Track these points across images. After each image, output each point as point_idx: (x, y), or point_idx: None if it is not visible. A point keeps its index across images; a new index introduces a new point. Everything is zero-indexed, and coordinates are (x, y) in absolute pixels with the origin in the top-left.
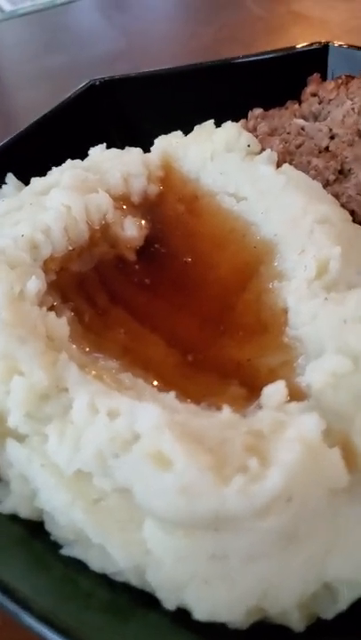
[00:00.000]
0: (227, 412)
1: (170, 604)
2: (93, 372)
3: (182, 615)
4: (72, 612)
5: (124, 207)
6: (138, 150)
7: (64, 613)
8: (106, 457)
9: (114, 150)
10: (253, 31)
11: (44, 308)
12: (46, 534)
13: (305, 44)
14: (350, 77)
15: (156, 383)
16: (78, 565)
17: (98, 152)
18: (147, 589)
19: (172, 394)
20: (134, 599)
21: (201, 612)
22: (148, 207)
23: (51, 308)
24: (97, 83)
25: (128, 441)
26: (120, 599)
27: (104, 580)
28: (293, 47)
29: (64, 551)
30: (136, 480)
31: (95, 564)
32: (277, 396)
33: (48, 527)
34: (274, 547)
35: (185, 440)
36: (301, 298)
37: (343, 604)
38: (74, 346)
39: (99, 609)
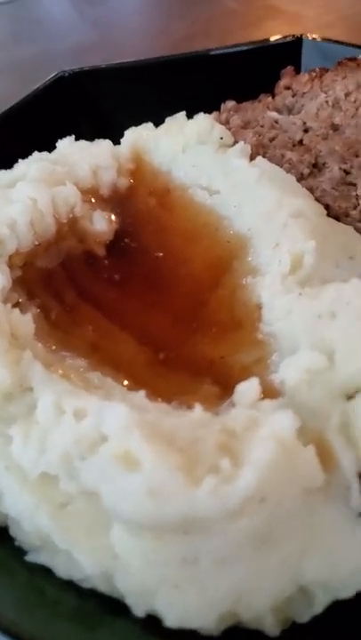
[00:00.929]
0: (198, 410)
1: (139, 610)
2: (60, 371)
3: (152, 622)
4: (38, 621)
5: (93, 200)
6: (107, 142)
7: (29, 623)
8: (72, 459)
9: (83, 142)
10: (227, 25)
11: (9, 305)
12: (10, 540)
13: (279, 36)
14: (324, 70)
15: (125, 382)
16: (44, 572)
17: (66, 144)
18: (115, 596)
19: (141, 393)
20: (102, 606)
21: (172, 619)
22: (118, 201)
23: (15, 305)
24: (66, 74)
25: (95, 442)
26: (88, 606)
27: (71, 586)
28: (267, 40)
29: (29, 557)
30: (103, 482)
31: (61, 570)
32: (251, 394)
33: (12, 532)
34: (247, 549)
35: (154, 440)
36: (275, 293)
37: (319, 607)
38: (39, 344)
39: (66, 617)
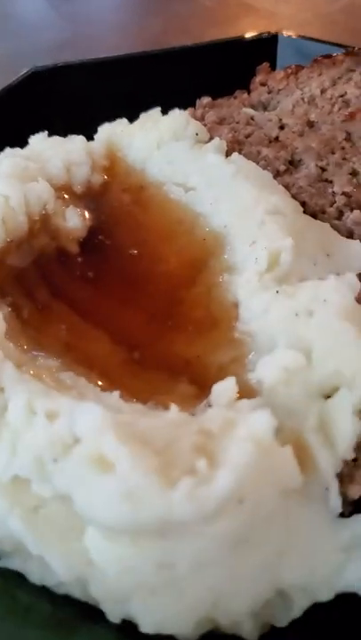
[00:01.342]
0: (174, 410)
1: (114, 616)
2: (31, 371)
3: (128, 627)
4: (10, 628)
5: (66, 197)
6: (81, 138)
7: (2, 630)
8: (45, 462)
9: (56, 138)
10: (203, 23)
11: None
12: None
13: (254, 33)
14: (300, 67)
15: (99, 382)
16: (16, 578)
17: (39, 140)
18: (90, 602)
19: (116, 393)
20: (77, 612)
21: (148, 625)
22: (92, 197)
23: None
24: (39, 69)
25: (68, 444)
26: (62, 613)
27: (44, 592)
28: (242, 37)
29: (1, 563)
30: (76, 486)
31: (35, 576)
32: (227, 394)
33: None
34: (224, 553)
35: (129, 441)
36: (252, 291)
37: (298, 610)
38: (10, 344)
39: (39, 624)
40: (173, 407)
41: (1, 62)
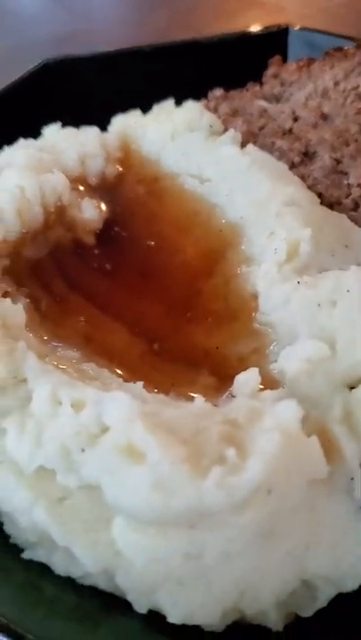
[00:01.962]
0: (199, 401)
1: (141, 607)
2: (54, 362)
3: (155, 618)
4: (36, 619)
5: (81, 189)
6: (95, 130)
7: (27, 622)
8: (71, 452)
9: (69, 130)
10: (206, 16)
11: None
12: (6, 537)
13: (265, 26)
14: (312, 60)
15: (120, 373)
16: (41, 570)
17: (53, 132)
18: (116, 593)
19: (139, 384)
20: (103, 604)
21: (175, 615)
22: (107, 189)
23: (5, 295)
24: (51, 62)
25: (95, 434)
26: (88, 604)
27: (70, 584)
28: (254, 30)
29: (26, 555)
30: (105, 475)
31: (60, 567)
32: (251, 384)
33: (7, 529)
34: (251, 543)
35: (158, 431)
36: (272, 282)
37: (323, 600)
38: (31, 335)
39: (65, 615)
40: (198, 397)
41: (3, 56)
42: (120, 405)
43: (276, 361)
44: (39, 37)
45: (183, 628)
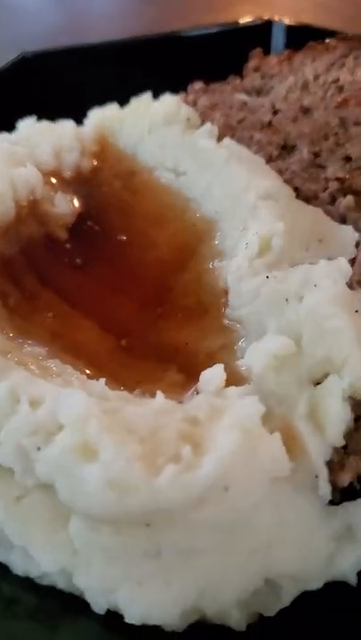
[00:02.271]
0: (160, 398)
1: (100, 607)
2: (16, 359)
3: (114, 618)
4: None
5: (55, 183)
6: (70, 123)
7: None
8: (28, 450)
9: (45, 123)
10: (199, 10)
11: None
12: None
13: (248, 19)
14: (293, 53)
15: (87, 371)
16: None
17: (27, 125)
18: (75, 593)
19: (102, 381)
20: (62, 604)
21: (133, 615)
22: (82, 183)
23: None
24: (29, 55)
25: (52, 432)
26: (46, 604)
27: (28, 584)
28: (236, 22)
29: None
30: (59, 474)
31: (18, 567)
32: (216, 381)
33: None
34: (211, 541)
35: (113, 429)
36: (242, 277)
37: (287, 599)
38: None
39: (24, 616)
40: (159, 394)
41: None
42: (75, 403)
43: (243, 357)
44: (34, 30)
45: (143, 629)
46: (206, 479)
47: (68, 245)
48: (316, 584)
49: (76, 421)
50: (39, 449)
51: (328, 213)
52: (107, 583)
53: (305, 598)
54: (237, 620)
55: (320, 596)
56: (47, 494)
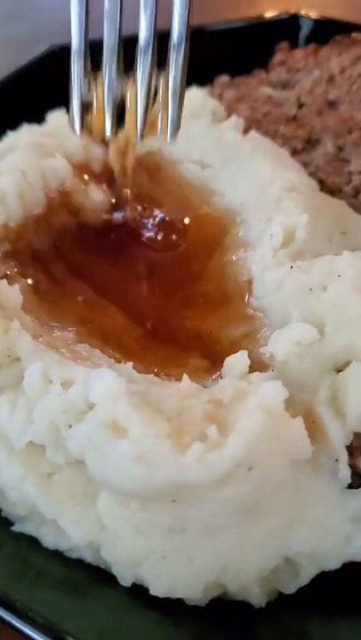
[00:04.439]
0: (186, 381)
1: (125, 580)
2: (48, 342)
3: (139, 591)
4: (24, 589)
5: (84, 174)
6: None
7: (15, 590)
8: (59, 428)
9: None
10: (221, 2)
11: None
12: None
13: (274, 13)
14: (319, 47)
15: (113, 354)
16: (31, 542)
17: (57, 117)
18: (102, 566)
19: (129, 364)
20: (89, 576)
21: (158, 588)
22: (110, 175)
23: (3, 277)
24: (57, 48)
25: (82, 410)
26: (74, 576)
27: (58, 556)
28: (262, 16)
29: (15, 528)
30: (90, 450)
31: (48, 540)
32: (239, 367)
33: None
34: (234, 519)
35: (142, 408)
36: (266, 267)
37: (305, 578)
38: (27, 316)
39: (52, 586)
40: (185, 377)
41: (20, 44)
42: (105, 382)
43: (266, 345)
44: (54, 24)
45: (166, 601)
46: (231, 458)
47: (95, 236)
48: (334, 564)
49: (107, 400)
50: (70, 426)
51: (352, 206)
52: (133, 557)
53: (323, 578)
54: (258, 597)
55: (338, 576)
56: (77, 471)
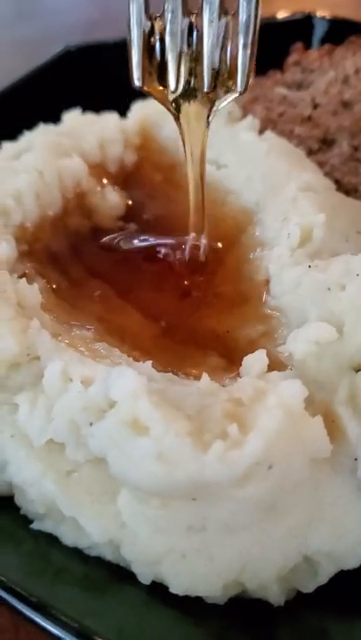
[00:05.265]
0: (206, 380)
1: (145, 578)
2: (67, 341)
3: (158, 589)
4: (43, 586)
5: (100, 174)
6: (115, 116)
7: (34, 587)
8: (79, 426)
9: (89, 115)
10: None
11: (15, 276)
12: (16, 509)
13: (288, 13)
14: (334, 47)
15: (132, 353)
16: (50, 540)
17: (73, 117)
18: (122, 564)
19: (148, 363)
20: (109, 574)
21: (177, 587)
22: (125, 175)
23: (22, 277)
24: (73, 48)
25: (103, 408)
26: (94, 573)
27: (77, 554)
28: (276, 17)
29: (35, 525)
30: (111, 448)
31: (67, 538)
32: (258, 366)
33: (17, 501)
34: (254, 517)
35: (162, 406)
36: (284, 266)
37: (324, 577)
38: (46, 314)
39: (71, 583)
40: (205, 376)
41: (30, 44)
42: (126, 381)
43: (284, 344)
44: (68, 24)
45: (185, 600)
46: (252, 456)
47: (112, 236)
48: (353, 563)
49: (128, 398)
50: (91, 424)
51: None
52: (152, 555)
53: (342, 577)
54: (277, 595)
55: (357, 575)
56: (97, 469)
